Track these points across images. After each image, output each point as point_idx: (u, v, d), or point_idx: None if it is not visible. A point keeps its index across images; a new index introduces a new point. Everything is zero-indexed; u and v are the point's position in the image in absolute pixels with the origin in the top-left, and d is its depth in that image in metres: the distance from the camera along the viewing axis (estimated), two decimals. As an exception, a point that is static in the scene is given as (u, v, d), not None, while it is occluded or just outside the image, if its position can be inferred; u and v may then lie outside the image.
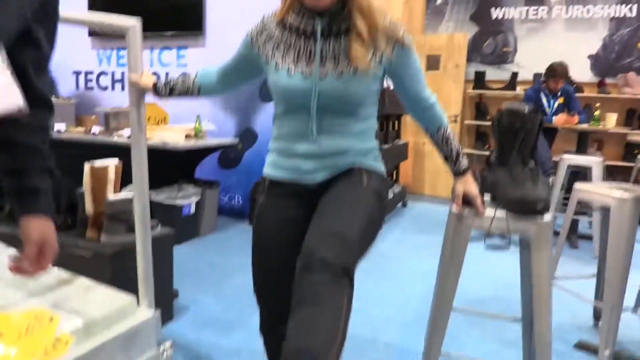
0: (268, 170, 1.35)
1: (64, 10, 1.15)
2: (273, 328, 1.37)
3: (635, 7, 5.07)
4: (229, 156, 4.40)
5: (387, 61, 1.25)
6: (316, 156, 1.25)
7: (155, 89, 1.52)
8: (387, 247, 3.72)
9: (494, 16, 5.67)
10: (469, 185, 1.42)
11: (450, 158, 1.40)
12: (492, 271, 3.20)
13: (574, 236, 3.98)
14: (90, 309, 1.56)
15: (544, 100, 4.23)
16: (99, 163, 2.03)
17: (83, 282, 1.74)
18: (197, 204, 3.69)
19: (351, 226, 1.10)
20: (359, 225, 1.12)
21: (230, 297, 2.63)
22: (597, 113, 4.00)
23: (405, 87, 1.32)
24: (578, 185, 2.18)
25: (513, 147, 1.50)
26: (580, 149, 3.97)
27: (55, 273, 1.76)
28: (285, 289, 1.23)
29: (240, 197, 4.41)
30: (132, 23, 1.48)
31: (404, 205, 5.27)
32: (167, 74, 4.59)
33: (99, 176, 2.01)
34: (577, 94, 4.49)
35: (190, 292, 2.65)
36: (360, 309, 2.54)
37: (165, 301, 2.34)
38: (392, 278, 3.04)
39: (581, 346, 2.21)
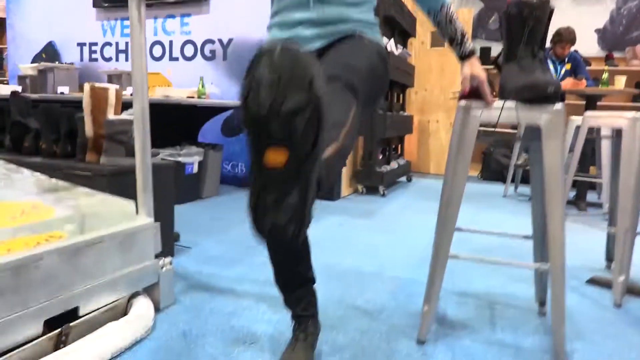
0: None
1: None
2: None
3: (643, -22, 5.02)
4: (232, 124, 4.36)
5: None
6: (316, 23, 1.21)
7: None
8: (394, 210, 3.66)
9: (499, -9, 5.63)
10: (476, 67, 1.37)
11: (456, 40, 1.36)
12: (491, 227, 3.14)
13: (583, 203, 3.91)
14: (87, 207, 1.52)
15: (551, 67, 4.18)
16: (99, 84, 2.00)
17: (82, 189, 1.70)
18: (200, 164, 3.65)
19: (357, 64, 1.09)
20: (365, 66, 1.10)
21: (234, 241, 2.58)
22: (605, 76, 3.93)
23: None
24: (588, 113, 2.12)
25: (521, 38, 1.44)
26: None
27: (53, 181, 1.72)
28: None
29: (243, 166, 4.36)
30: None
31: (409, 180, 5.21)
32: (170, 42, 4.58)
33: (99, 97, 1.97)
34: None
35: (192, 237, 2.60)
36: (367, 251, 2.49)
37: (166, 240, 2.31)
38: (398, 232, 2.98)
39: (594, 281, 2.15)
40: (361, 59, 1.14)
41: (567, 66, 4.15)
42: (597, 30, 5.22)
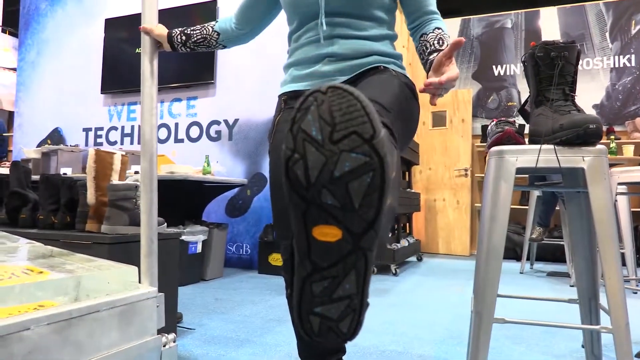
0: (283, 87, 1.24)
1: None
2: None
3: (633, 57, 5.21)
4: (237, 204, 4.27)
5: None
6: (338, 57, 1.14)
7: (170, 38, 1.45)
8: (409, 287, 3.44)
9: (495, 73, 5.82)
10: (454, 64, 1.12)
11: (436, 50, 1.11)
12: (524, 301, 2.92)
13: (606, 276, 3.70)
14: (84, 272, 1.36)
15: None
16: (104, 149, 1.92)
17: (81, 255, 1.55)
18: (204, 244, 3.49)
19: (389, 98, 0.98)
20: (396, 101, 1.00)
21: (241, 321, 2.36)
22: (613, 145, 3.91)
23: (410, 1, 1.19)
24: (612, 169, 2.03)
25: (551, 80, 1.39)
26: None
27: (49, 247, 1.58)
28: None
29: (248, 247, 4.20)
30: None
31: (419, 259, 5.02)
32: (176, 125, 4.62)
33: (104, 162, 1.88)
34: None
35: (196, 318, 2.39)
36: (387, 330, 2.27)
37: (168, 319, 2.11)
38: (418, 308, 2.76)
39: (643, 356, 1.92)
40: (390, 95, 1.04)
41: None
42: (595, 106, 5.32)
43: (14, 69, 6.41)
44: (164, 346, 1.48)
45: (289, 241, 1.18)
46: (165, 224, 2.06)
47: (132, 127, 4.83)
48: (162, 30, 1.44)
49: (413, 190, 4.98)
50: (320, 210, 0.57)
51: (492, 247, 1.32)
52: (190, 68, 4.47)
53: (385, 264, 3.99)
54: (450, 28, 5.91)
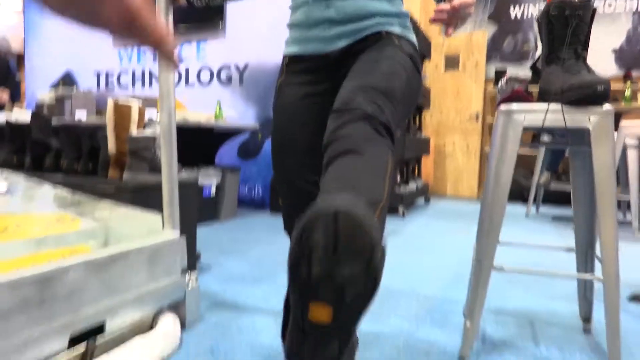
0: (286, 49, 1.23)
1: None
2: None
3: (657, -2, 5.02)
4: (248, 147, 4.34)
5: None
6: (337, 22, 1.12)
7: None
8: (416, 230, 3.57)
9: (512, 15, 5.64)
10: None
11: None
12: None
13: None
14: (112, 221, 1.47)
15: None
16: (122, 100, 1.98)
17: (106, 203, 1.65)
18: (218, 187, 3.61)
19: (390, 82, 0.97)
20: (398, 84, 0.98)
21: (256, 260, 2.51)
22: (628, 93, 3.87)
23: None
24: (624, 122, 2.05)
25: (564, 39, 1.40)
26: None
27: (77, 195, 1.68)
28: (311, 173, 1.12)
29: (260, 188, 4.32)
30: None
31: (427, 200, 5.13)
32: (186, 70, 4.62)
33: (123, 113, 1.94)
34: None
35: (214, 256, 2.54)
36: (395, 270, 2.40)
37: (188, 258, 2.24)
38: (426, 250, 2.89)
39: (636, 298, 2.04)
40: (392, 77, 1.00)
41: None
42: (614, 50, 5.19)
43: (20, 11, 6.32)
44: (188, 284, 1.62)
45: (288, 192, 1.21)
46: (183, 169, 2.14)
47: (143, 71, 4.83)
48: None
49: (423, 135, 5.00)
50: (317, 297, 0.66)
51: (496, 202, 1.39)
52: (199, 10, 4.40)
53: (393, 206, 4.10)
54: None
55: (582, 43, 1.40)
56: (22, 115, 4.28)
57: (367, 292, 0.66)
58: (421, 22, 4.66)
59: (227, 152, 4.36)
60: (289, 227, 1.22)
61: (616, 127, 3.77)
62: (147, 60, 4.80)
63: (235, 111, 4.17)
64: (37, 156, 2.21)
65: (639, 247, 2.88)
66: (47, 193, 1.65)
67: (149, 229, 1.52)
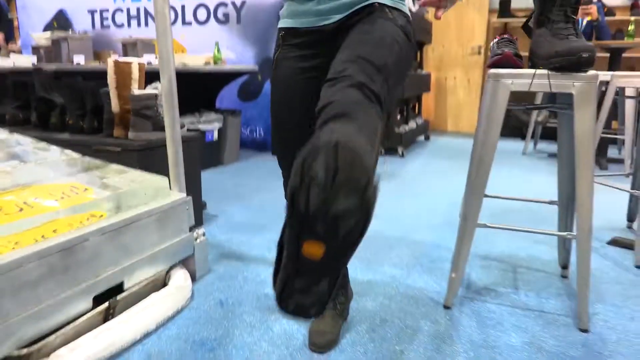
0: (282, 22, 1.25)
1: None
2: None
3: None
4: (248, 88, 4.35)
5: None
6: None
7: None
8: (414, 171, 3.67)
9: (520, -62, 5.37)
10: None
11: None
12: (515, 191, 3.15)
13: (603, 159, 3.87)
14: (122, 185, 1.57)
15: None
16: (122, 59, 2.00)
17: (115, 167, 1.74)
18: (220, 131, 3.68)
19: (382, 54, 1.00)
20: (390, 55, 1.02)
21: (258, 208, 2.64)
22: (631, 28, 3.80)
23: None
24: (617, 73, 2.08)
25: (554, 3, 1.41)
26: (612, 69, 3.81)
27: (86, 160, 1.77)
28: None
29: (261, 129, 4.38)
30: None
31: (427, 138, 5.19)
32: (182, 7, 4.51)
33: (123, 72, 1.98)
34: (609, 18, 4.30)
35: (218, 204, 2.66)
36: (391, 216, 2.53)
37: (194, 209, 2.38)
38: (420, 194, 3.00)
39: (615, 242, 2.17)
40: (383, 49, 1.03)
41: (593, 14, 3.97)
42: (624, -23, 4.99)
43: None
44: (196, 240, 1.75)
45: (287, 163, 1.30)
46: (185, 126, 2.21)
47: (137, 9, 4.72)
48: None
49: (424, 72, 4.96)
50: (312, 233, 0.72)
51: (481, 167, 1.47)
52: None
53: (392, 146, 4.18)
54: None
55: (572, 4, 1.41)
56: (20, 59, 4.26)
57: (359, 227, 0.72)
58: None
59: (228, 94, 4.37)
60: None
61: (617, 65, 3.74)
62: (141, -2, 4.68)
63: (234, 52, 4.13)
64: (43, 113, 2.27)
65: (628, 187, 2.98)
66: (57, 159, 1.73)
67: (157, 192, 1.62)
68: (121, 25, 4.84)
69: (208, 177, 3.33)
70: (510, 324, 1.47)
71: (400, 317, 1.50)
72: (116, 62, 1.97)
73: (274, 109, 1.29)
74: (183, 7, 4.49)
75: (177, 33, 4.53)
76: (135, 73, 2.03)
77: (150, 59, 3.54)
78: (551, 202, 1.77)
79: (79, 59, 3.96)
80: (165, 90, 1.64)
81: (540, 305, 1.59)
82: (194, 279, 1.70)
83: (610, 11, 4.82)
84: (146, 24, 4.74)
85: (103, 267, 1.34)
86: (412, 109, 4.94)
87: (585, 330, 1.43)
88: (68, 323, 1.23)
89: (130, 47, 3.89)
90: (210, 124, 3.54)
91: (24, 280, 1.13)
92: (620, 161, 3.96)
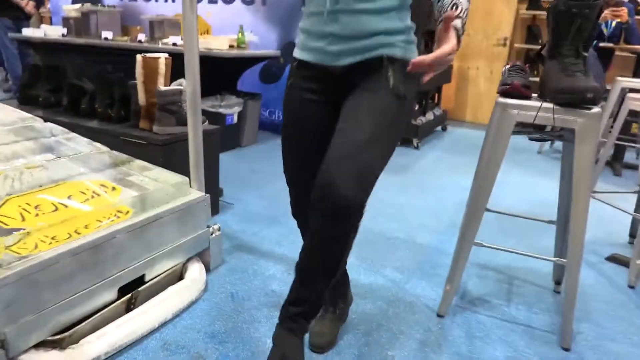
0: (297, 51, 1.30)
1: None
2: (302, 210, 1.40)
3: None
4: (270, 70, 4.41)
5: None
6: (341, 38, 1.16)
7: None
8: (426, 165, 3.74)
9: None
10: (452, 41, 1.02)
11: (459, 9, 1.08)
12: (523, 194, 3.21)
13: (619, 164, 3.88)
14: (147, 184, 1.69)
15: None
16: (150, 54, 2.10)
17: (139, 162, 1.87)
18: (240, 114, 3.77)
19: (371, 151, 1.10)
20: (379, 148, 1.12)
21: (272, 197, 2.76)
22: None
23: None
24: (630, 94, 2.11)
25: (567, 35, 1.45)
26: (638, 75, 3.77)
27: (113, 153, 1.89)
28: (312, 169, 1.23)
29: (280, 112, 4.46)
30: None
31: (444, 129, 5.22)
32: (210, -16, 4.53)
33: (151, 67, 2.08)
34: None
35: (235, 191, 2.79)
36: (397, 215, 2.63)
37: (212, 197, 2.51)
38: (429, 191, 3.09)
39: (613, 259, 2.23)
40: (378, 120, 1.13)
41: (623, 16, 3.90)
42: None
43: None
44: (212, 235, 1.88)
45: (295, 185, 1.45)
46: (207, 121, 2.31)
47: (166, -18, 4.77)
48: None
49: (446, 62, 4.94)
50: None
51: (484, 184, 1.56)
52: None
53: (408, 137, 4.23)
54: None
55: (585, 40, 1.46)
56: (50, 30, 4.38)
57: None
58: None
59: (249, 76, 4.45)
60: (295, 213, 1.43)
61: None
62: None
63: (257, 34, 4.18)
64: (74, 99, 2.39)
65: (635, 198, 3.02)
66: (87, 153, 1.86)
67: (178, 189, 1.75)
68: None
69: (226, 160, 3.45)
70: (497, 336, 1.58)
71: (396, 323, 1.62)
72: (144, 58, 2.07)
73: (284, 132, 1.38)
74: (210, -15, 4.53)
75: (203, 10, 4.58)
76: (162, 68, 2.13)
77: (176, 40, 3.62)
78: (550, 222, 1.85)
79: (107, 34, 4.06)
80: (189, 98, 1.75)
81: (528, 319, 1.69)
82: (208, 270, 1.84)
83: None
84: (173, -1, 4.79)
85: (127, 261, 1.48)
86: (431, 99, 4.95)
87: (567, 349, 1.53)
88: (95, 312, 1.38)
89: (157, 25, 3.97)
90: (230, 108, 3.64)
91: (60, 274, 1.27)
92: (636, 167, 3.96)
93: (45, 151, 1.78)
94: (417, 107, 4.41)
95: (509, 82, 1.55)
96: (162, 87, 2.07)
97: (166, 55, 2.15)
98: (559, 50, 1.49)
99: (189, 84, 1.72)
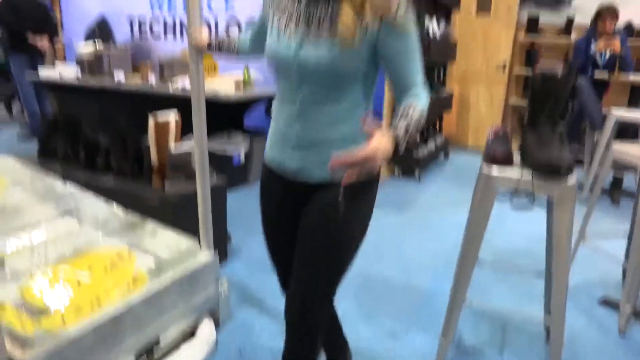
0: (265, 152, 1.47)
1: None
2: (288, 285, 1.53)
3: None
4: (275, 105, 4.56)
5: (372, 38, 1.10)
6: (299, 144, 1.25)
7: (209, 47, 1.70)
8: (426, 199, 3.85)
9: (552, -43, 5.35)
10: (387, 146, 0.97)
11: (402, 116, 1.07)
12: (520, 228, 3.30)
13: (617, 192, 3.96)
14: (159, 250, 1.83)
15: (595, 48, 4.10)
16: (161, 117, 2.25)
17: (151, 225, 2.00)
18: (246, 153, 3.92)
19: (325, 275, 1.35)
20: (333, 276, 1.34)
21: (277, 240, 2.88)
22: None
23: (391, 73, 1.14)
24: (616, 145, 2.22)
25: (543, 110, 1.58)
26: (633, 104, 3.87)
27: (128, 216, 2.03)
28: (289, 255, 1.44)
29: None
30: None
31: (446, 156, 5.32)
32: (216, 23, 4.73)
33: (162, 130, 2.23)
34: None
35: (242, 235, 2.92)
36: (397, 257, 2.74)
37: (220, 244, 2.62)
38: (428, 228, 3.20)
39: (605, 302, 2.32)
40: (332, 258, 1.32)
41: (616, 48, 4.01)
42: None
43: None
44: (221, 292, 2.00)
45: (277, 265, 1.63)
46: (215, 174, 2.45)
47: (174, 21, 4.96)
48: (205, 40, 1.68)
49: (447, 91, 5.07)
50: None
51: (469, 249, 1.67)
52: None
53: (409, 168, 4.35)
54: None
55: (560, 112, 1.58)
56: (65, 71, 4.57)
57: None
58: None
59: (255, 110, 4.60)
60: (282, 286, 1.62)
61: (637, 103, 3.80)
62: (177, 9, 4.91)
63: (261, 72, 4.33)
64: (89, 154, 2.55)
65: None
66: (106, 217, 2.00)
67: (188, 252, 1.87)
68: (158, 36, 5.09)
69: (234, 199, 3.58)
70: (489, 389, 1.69)
71: (393, 377, 1.74)
72: (156, 122, 2.22)
73: (262, 219, 1.59)
74: (217, 23, 4.71)
75: (210, 48, 4.75)
76: (172, 128, 2.28)
77: (185, 83, 3.79)
78: (538, 276, 1.96)
79: (119, 73, 4.24)
80: (199, 171, 1.89)
81: (519, 370, 1.79)
82: (217, 324, 1.96)
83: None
84: (181, 35, 4.98)
85: (144, 326, 1.60)
86: (432, 126, 5.07)
87: (554, 400, 1.64)
88: (115, 377, 1.50)
89: (166, 66, 4.13)
90: (236, 147, 3.78)
91: (83, 346, 1.40)
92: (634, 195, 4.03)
93: (66, 214, 1.92)
94: (418, 138, 4.53)
95: (491, 153, 1.67)
96: (174, 151, 2.21)
97: (176, 117, 2.30)
98: (537, 121, 1.61)
99: (197, 153, 1.86)
